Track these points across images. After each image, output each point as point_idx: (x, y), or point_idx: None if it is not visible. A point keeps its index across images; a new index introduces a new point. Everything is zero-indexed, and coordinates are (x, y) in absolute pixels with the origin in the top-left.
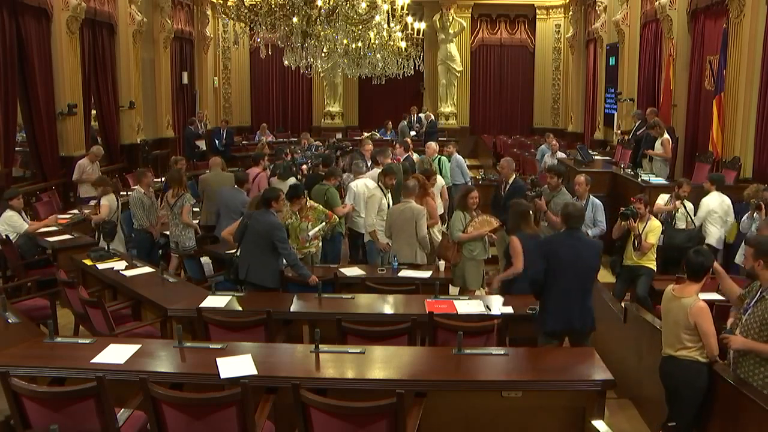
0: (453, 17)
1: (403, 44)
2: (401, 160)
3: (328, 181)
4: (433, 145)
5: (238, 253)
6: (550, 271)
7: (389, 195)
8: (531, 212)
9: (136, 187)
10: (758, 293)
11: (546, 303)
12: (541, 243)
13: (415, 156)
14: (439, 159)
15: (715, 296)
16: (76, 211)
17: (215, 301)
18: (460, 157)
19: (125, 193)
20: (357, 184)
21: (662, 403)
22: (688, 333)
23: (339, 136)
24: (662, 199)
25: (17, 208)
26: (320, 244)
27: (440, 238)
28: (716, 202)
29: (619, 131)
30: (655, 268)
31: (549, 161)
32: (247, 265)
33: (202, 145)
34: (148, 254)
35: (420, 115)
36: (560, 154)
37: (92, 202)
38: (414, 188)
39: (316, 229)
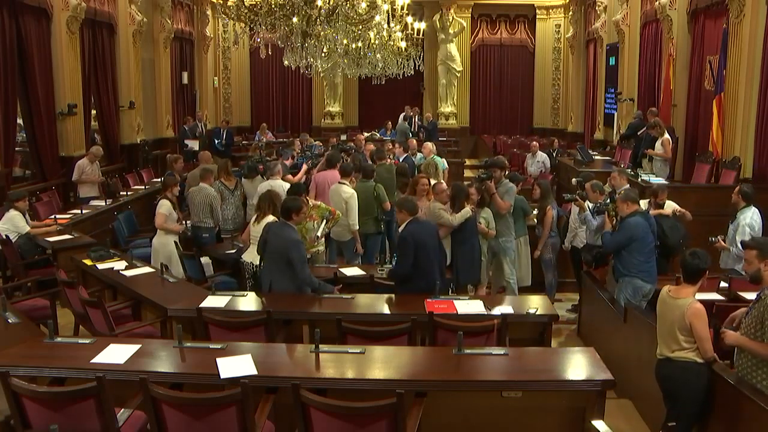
0: (453, 17)
1: (403, 44)
2: (401, 160)
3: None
4: (429, 145)
5: (261, 266)
6: None
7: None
8: (468, 192)
9: (202, 185)
10: (759, 293)
11: None
12: None
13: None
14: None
15: (714, 296)
16: (76, 211)
17: (215, 301)
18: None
19: (125, 193)
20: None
21: (662, 403)
22: (685, 334)
23: (344, 137)
24: (642, 206)
25: (22, 209)
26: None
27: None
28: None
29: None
30: None
31: (530, 161)
32: (269, 280)
33: (193, 145)
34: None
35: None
36: (541, 155)
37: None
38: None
39: (322, 227)
